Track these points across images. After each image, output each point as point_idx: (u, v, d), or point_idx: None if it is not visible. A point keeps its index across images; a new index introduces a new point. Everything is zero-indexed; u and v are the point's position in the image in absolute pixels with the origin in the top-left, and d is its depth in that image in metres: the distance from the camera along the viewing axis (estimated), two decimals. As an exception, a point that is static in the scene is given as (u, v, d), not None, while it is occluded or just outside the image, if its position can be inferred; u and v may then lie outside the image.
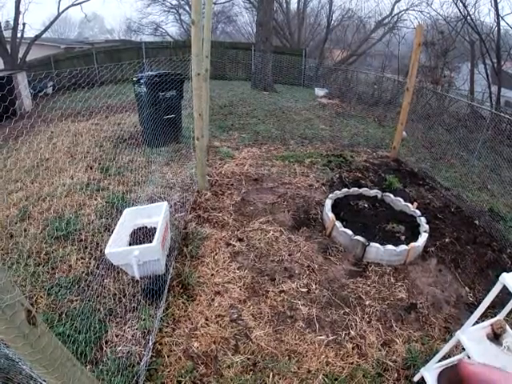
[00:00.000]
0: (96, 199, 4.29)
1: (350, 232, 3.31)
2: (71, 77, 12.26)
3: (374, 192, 4.33)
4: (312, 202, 4.30)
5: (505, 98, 11.93)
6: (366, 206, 4.02)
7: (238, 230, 3.60)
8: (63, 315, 2.55)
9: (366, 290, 2.95)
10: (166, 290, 2.75)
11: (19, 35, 14.65)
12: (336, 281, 3.02)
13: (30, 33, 16.58)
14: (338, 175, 5.21)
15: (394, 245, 3.25)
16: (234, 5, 26.53)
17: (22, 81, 12.47)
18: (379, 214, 3.94)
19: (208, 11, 4.87)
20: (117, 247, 2.80)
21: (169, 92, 5.73)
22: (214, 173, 4.99)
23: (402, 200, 4.12)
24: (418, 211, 3.92)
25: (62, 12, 16.98)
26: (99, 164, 5.41)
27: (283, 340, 2.44)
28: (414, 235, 3.55)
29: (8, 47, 13.97)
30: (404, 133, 6.59)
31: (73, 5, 17.07)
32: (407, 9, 19.16)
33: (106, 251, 2.67)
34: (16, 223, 3.78)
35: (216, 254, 3.22)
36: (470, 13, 11.02)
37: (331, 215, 3.56)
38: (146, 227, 3.24)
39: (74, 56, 16.69)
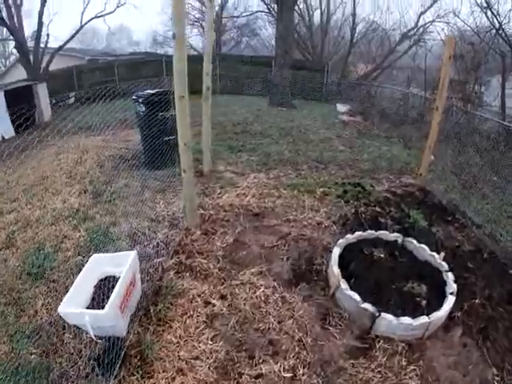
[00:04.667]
0: (79, 231, 4.03)
1: (357, 298, 2.67)
2: (92, 89, 12.38)
3: (394, 236, 3.68)
4: (318, 246, 3.66)
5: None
6: (382, 256, 3.37)
7: (222, 284, 3.02)
8: (19, 368, 2.35)
9: (368, 376, 2.30)
10: (120, 361, 2.30)
11: (42, 46, 15.09)
12: (332, 363, 2.37)
13: (55, 43, 17.09)
14: (353, 210, 4.57)
15: (411, 313, 2.61)
16: (257, 18, 26.49)
17: (42, 92, 12.63)
18: (398, 266, 3.28)
19: (210, 21, 4.44)
20: (74, 304, 2.38)
21: (170, 112, 5.32)
22: (209, 204, 4.45)
23: (426, 248, 3.45)
24: (444, 264, 3.24)
25: (85, 24, 17.45)
26: (94, 187, 5.16)
27: None
28: (437, 297, 2.88)
29: (31, 58, 14.40)
30: (432, 156, 5.88)
31: (95, 17, 17.50)
32: (433, 20, 18.31)
33: (59, 309, 2.29)
34: (0, 250, 3.79)
35: (189, 317, 2.66)
36: (502, 23, 10.14)
37: (337, 271, 2.94)
38: (115, 277, 2.78)
39: (96, 68, 16.99)
